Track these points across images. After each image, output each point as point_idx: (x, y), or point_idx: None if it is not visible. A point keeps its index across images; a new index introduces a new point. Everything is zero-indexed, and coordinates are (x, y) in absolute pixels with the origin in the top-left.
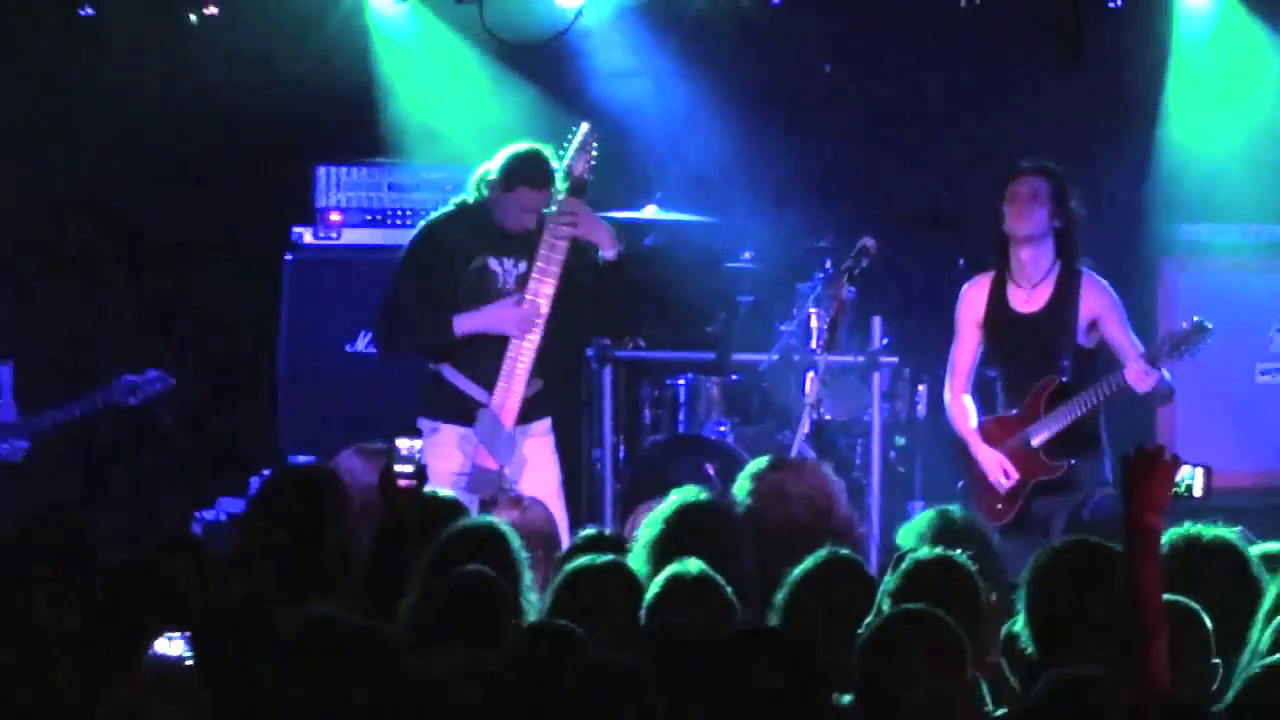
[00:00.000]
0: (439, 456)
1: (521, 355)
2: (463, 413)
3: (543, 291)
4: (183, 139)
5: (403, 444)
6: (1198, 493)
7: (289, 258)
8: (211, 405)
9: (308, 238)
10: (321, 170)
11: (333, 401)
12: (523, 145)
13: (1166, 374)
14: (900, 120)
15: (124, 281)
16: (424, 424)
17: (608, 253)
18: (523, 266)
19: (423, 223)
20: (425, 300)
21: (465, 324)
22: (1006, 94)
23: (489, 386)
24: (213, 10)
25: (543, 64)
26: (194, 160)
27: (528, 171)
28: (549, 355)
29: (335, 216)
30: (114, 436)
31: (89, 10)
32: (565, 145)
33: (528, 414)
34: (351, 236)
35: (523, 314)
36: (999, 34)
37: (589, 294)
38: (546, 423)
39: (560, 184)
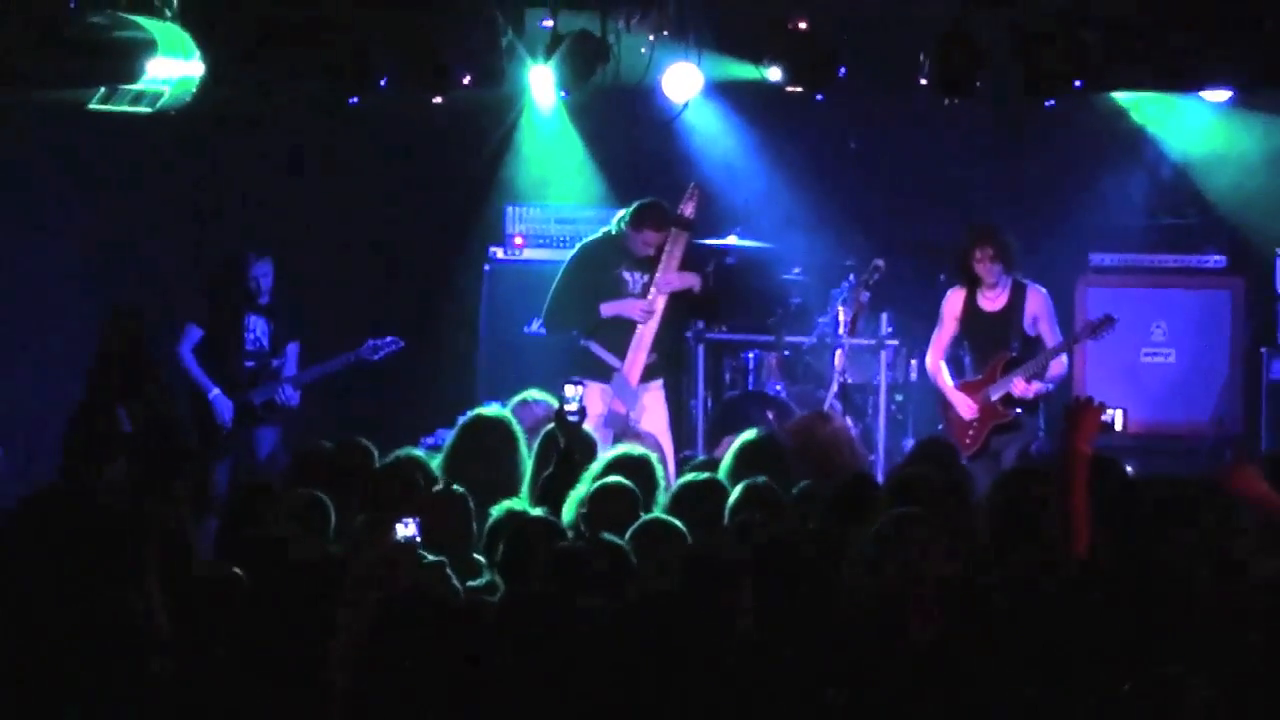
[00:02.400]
0: (586, 404)
1: (644, 335)
2: (603, 374)
3: (659, 299)
4: (419, 187)
5: (569, 390)
6: (1118, 427)
7: (487, 267)
8: (434, 364)
9: (500, 254)
10: (509, 208)
11: (514, 365)
12: (649, 199)
13: (1063, 364)
14: (902, 179)
15: (378, 278)
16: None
17: (696, 289)
18: (646, 278)
19: (580, 245)
20: (576, 296)
21: (607, 309)
22: (975, 163)
23: (621, 356)
24: (438, 100)
25: (657, 138)
26: (428, 200)
27: (651, 219)
28: (662, 337)
29: (518, 240)
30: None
31: (354, 99)
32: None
33: (647, 375)
34: (529, 254)
35: (643, 307)
36: (970, 122)
37: (689, 304)
38: (659, 382)
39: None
